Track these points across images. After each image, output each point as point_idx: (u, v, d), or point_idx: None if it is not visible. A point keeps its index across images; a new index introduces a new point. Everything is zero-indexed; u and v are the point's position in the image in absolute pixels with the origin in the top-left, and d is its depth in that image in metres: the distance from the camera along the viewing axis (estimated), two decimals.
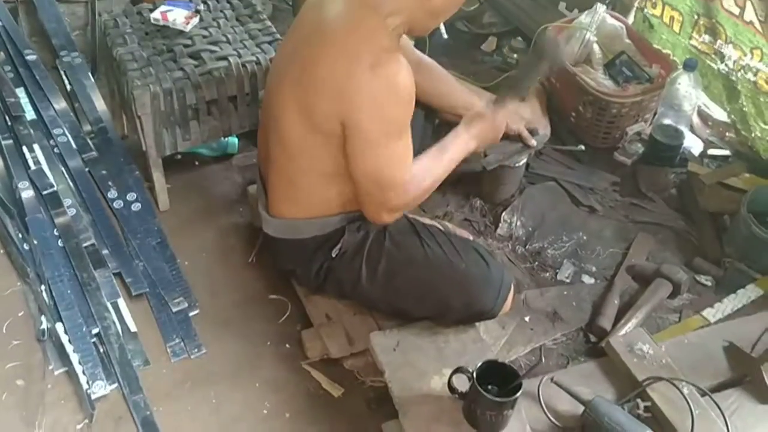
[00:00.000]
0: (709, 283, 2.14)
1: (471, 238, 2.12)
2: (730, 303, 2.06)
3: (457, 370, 1.55)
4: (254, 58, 2.09)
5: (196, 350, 1.87)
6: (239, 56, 2.09)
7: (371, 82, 1.49)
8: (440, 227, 1.97)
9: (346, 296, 1.86)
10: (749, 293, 2.08)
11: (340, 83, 1.51)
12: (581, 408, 1.61)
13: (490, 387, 1.55)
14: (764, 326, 1.88)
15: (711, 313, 2.04)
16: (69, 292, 1.89)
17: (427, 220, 1.98)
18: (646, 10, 2.61)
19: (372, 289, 1.77)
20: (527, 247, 2.22)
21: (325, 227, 1.76)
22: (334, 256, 1.76)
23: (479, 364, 1.52)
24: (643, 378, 1.68)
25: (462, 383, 1.57)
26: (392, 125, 1.56)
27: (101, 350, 1.82)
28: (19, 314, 1.89)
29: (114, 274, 1.98)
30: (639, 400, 1.65)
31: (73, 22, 2.99)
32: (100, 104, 2.46)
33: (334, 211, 1.75)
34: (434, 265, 1.73)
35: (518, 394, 1.49)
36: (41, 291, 1.90)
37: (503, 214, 2.27)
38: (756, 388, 1.73)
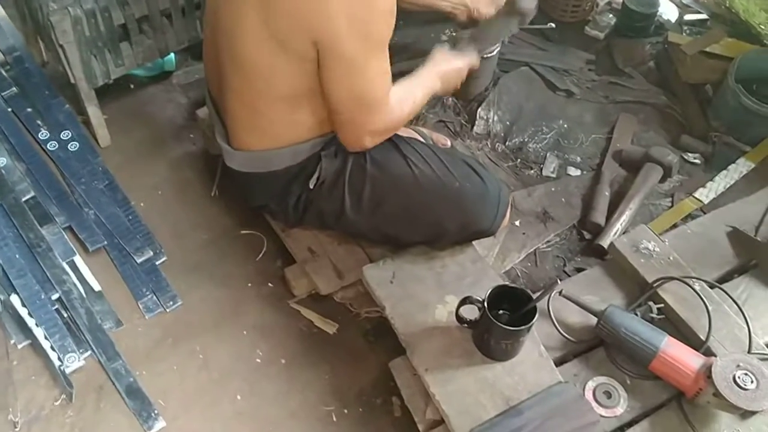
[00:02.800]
0: (698, 161, 2.05)
1: (449, 143, 1.98)
2: (721, 180, 1.99)
3: (466, 300, 1.44)
4: None
5: (171, 303, 1.71)
6: None
7: None
8: (421, 139, 1.81)
9: (329, 227, 1.70)
10: (740, 168, 2.01)
11: None
12: (593, 319, 1.53)
13: (501, 312, 1.45)
14: (765, 206, 1.80)
15: (704, 194, 1.97)
16: (17, 256, 1.69)
17: (403, 132, 1.80)
18: None
19: (358, 218, 1.61)
20: (507, 143, 2.08)
21: (298, 155, 1.57)
22: (312, 187, 1.59)
23: (488, 292, 1.41)
24: (653, 279, 1.60)
25: (470, 311, 1.46)
26: (374, 42, 1.37)
27: (66, 316, 1.64)
28: None
29: (64, 228, 1.77)
30: (651, 303, 1.58)
31: None
32: (10, 28, 2.14)
33: (306, 137, 1.55)
34: (424, 187, 1.57)
35: (534, 321, 1.39)
36: None
37: (479, 110, 2.11)
38: (764, 272, 1.67)
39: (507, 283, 1.48)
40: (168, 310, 1.70)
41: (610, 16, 2.31)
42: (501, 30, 1.88)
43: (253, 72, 1.44)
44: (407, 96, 1.53)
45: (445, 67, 1.70)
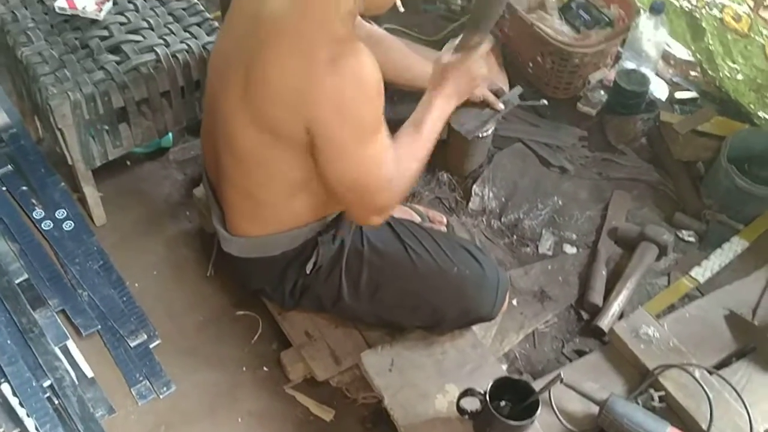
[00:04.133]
0: (692, 239, 2.06)
1: (445, 220, 1.98)
2: (717, 259, 2.00)
3: (467, 392, 1.42)
4: (185, 46, 1.82)
5: (164, 388, 1.68)
6: (167, 45, 1.81)
7: (333, 82, 1.26)
8: (418, 219, 1.81)
9: (326, 311, 1.68)
10: (735, 246, 2.02)
11: (298, 85, 1.27)
12: (595, 407, 1.52)
13: (503, 404, 1.43)
14: (761, 288, 1.81)
15: (699, 273, 1.97)
16: (9, 342, 1.66)
17: (399, 212, 1.81)
18: None
19: (355, 304, 1.60)
20: (502, 219, 2.08)
21: (295, 240, 1.56)
22: (308, 272, 1.57)
23: (490, 385, 1.39)
24: (654, 366, 1.59)
25: (471, 402, 1.44)
26: (365, 125, 1.34)
27: (57, 404, 1.61)
28: None
29: (57, 312, 1.75)
30: (652, 390, 1.57)
31: None
32: (7, 105, 2.15)
33: (304, 221, 1.54)
34: (423, 273, 1.56)
35: (537, 415, 1.37)
36: None
37: (474, 186, 2.12)
38: (762, 356, 1.67)
39: (508, 375, 1.47)
40: (161, 396, 1.67)
41: (602, 93, 2.35)
42: (493, 7, 1.62)
43: (249, 161, 1.44)
44: (408, 160, 1.45)
45: (451, 78, 1.55)
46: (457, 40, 1.61)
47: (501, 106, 1.88)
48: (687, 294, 1.93)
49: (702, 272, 1.97)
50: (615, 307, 1.85)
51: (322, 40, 1.27)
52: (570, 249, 2.04)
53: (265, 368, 1.74)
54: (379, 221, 1.48)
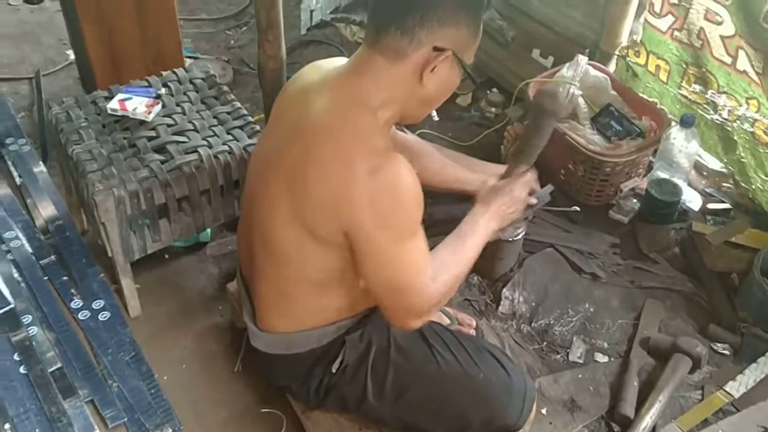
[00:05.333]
0: (727, 353, 2.02)
1: (474, 323, 1.98)
2: (751, 374, 1.95)
3: None
4: (226, 148, 1.91)
5: None
6: (210, 146, 1.90)
7: (372, 192, 1.31)
8: (446, 320, 1.82)
9: (350, 411, 1.67)
10: None
11: (337, 193, 1.33)
12: None
13: None
14: None
15: (734, 387, 1.92)
16: (37, 431, 1.67)
17: None
18: (628, 59, 2.50)
19: (380, 406, 1.59)
20: (533, 324, 2.07)
21: (323, 338, 1.58)
22: (334, 371, 1.58)
23: None
24: None
25: None
26: (402, 232, 1.37)
27: None
28: None
29: (86, 402, 1.77)
30: None
31: (17, 102, 2.79)
32: (55, 198, 2.25)
33: (333, 320, 1.57)
34: (449, 378, 1.56)
35: None
36: (5, 431, 1.67)
37: (504, 290, 2.13)
38: None
39: None
40: None
41: (634, 201, 2.37)
42: (541, 137, 1.80)
43: (283, 258, 1.48)
44: (447, 271, 1.45)
45: (497, 202, 1.59)
46: (502, 168, 1.76)
47: (532, 200, 1.92)
48: (721, 409, 1.87)
49: (737, 387, 1.92)
50: (647, 420, 1.81)
51: (362, 151, 1.32)
52: (601, 357, 2.01)
53: None
54: (416, 325, 1.48)
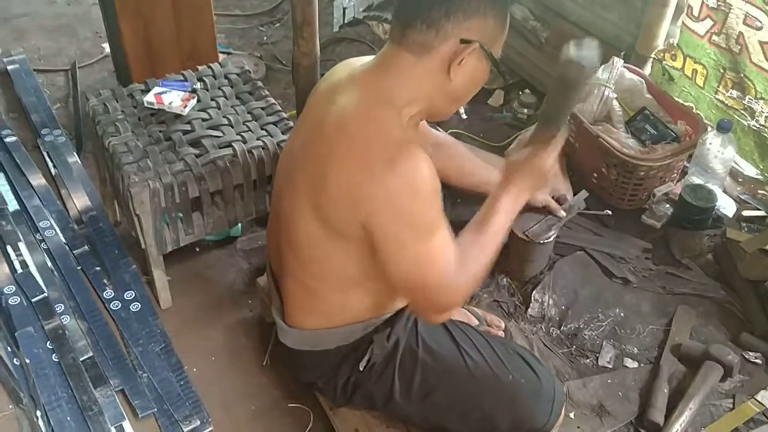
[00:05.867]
0: (759, 362, 1.99)
1: (503, 324, 1.97)
2: None
3: None
4: (260, 143, 1.92)
5: None
6: (244, 141, 1.92)
7: (389, 182, 1.29)
8: (475, 321, 1.81)
9: (377, 409, 1.67)
10: None
11: (356, 190, 1.32)
12: None
13: None
14: None
15: (766, 397, 1.89)
16: (68, 418, 1.70)
17: (457, 315, 1.81)
18: (664, 62, 2.48)
19: (407, 405, 1.59)
20: (562, 328, 2.06)
21: (350, 336, 1.58)
22: (362, 369, 1.58)
23: None
24: None
25: None
26: (420, 225, 1.35)
27: None
28: None
29: (116, 391, 1.79)
30: None
31: (53, 93, 2.83)
32: (89, 189, 2.28)
33: (361, 318, 1.57)
34: (477, 379, 1.55)
35: None
36: (37, 418, 1.70)
37: (533, 292, 2.11)
38: None
39: None
40: None
41: (667, 206, 2.34)
42: (568, 103, 1.50)
43: (308, 256, 1.48)
44: (472, 259, 1.41)
45: (521, 174, 1.49)
46: (528, 133, 1.56)
47: (562, 213, 1.89)
48: (752, 418, 1.85)
49: None
50: (677, 427, 1.78)
51: (381, 143, 1.32)
52: (631, 363, 1.99)
53: None
54: (441, 319, 1.49)
